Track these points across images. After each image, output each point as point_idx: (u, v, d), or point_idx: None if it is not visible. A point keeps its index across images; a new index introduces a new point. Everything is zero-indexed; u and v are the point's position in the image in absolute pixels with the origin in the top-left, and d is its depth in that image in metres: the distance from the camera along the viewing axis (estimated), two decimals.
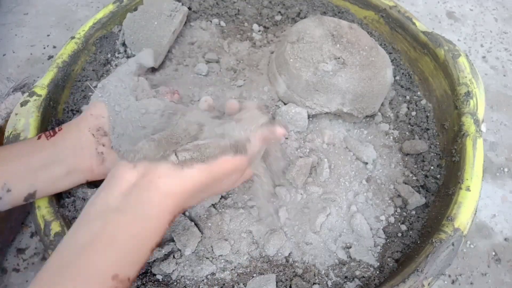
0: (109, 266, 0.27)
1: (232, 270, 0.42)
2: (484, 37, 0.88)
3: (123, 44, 0.58)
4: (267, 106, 0.51)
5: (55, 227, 0.40)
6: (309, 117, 0.50)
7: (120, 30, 0.59)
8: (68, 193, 0.46)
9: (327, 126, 0.52)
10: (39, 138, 0.39)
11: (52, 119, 0.49)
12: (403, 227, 0.46)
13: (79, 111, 0.53)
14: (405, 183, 0.49)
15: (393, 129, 0.54)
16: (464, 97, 0.49)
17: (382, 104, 0.55)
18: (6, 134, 0.44)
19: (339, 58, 0.49)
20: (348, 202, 0.47)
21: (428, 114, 0.54)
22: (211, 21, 0.64)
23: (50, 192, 0.40)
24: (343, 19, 0.58)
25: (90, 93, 0.54)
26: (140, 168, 0.31)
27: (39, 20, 0.83)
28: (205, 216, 0.44)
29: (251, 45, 0.61)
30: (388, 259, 0.43)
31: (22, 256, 0.56)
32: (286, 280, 0.41)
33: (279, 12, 0.65)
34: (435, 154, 0.51)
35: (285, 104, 0.52)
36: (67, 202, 0.44)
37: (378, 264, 0.43)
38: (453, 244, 0.39)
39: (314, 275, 0.42)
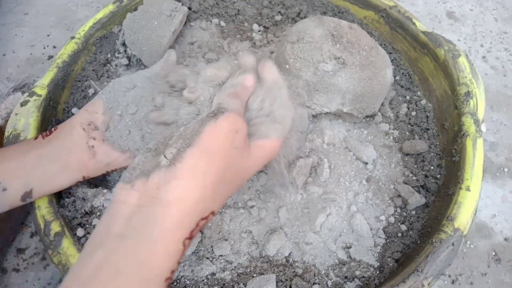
0: None
1: (232, 270, 0.42)
2: (484, 37, 0.88)
3: (123, 44, 0.58)
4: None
5: (55, 227, 0.40)
6: (309, 117, 0.50)
7: (120, 30, 0.59)
8: (68, 193, 0.46)
9: (327, 126, 0.52)
10: (36, 138, 0.40)
11: (52, 119, 0.49)
12: (403, 227, 0.46)
13: None
14: (405, 183, 0.49)
15: (393, 129, 0.54)
16: (464, 97, 0.49)
17: (382, 104, 0.55)
18: (6, 134, 0.44)
19: (339, 58, 0.49)
20: (348, 202, 0.47)
21: (428, 114, 0.54)
22: (211, 21, 0.64)
23: (47, 191, 0.40)
24: (343, 19, 0.58)
25: (90, 92, 0.54)
26: (138, 186, 0.27)
27: (39, 20, 0.83)
28: None
29: (251, 45, 0.61)
30: (388, 259, 0.43)
31: (22, 256, 0.56)
32: (286, 280, 0.41)
33: (279, 12, 0.65)
34: (435, 154, 0.51)
35: None
36: (67, 202, 0.44)
37: (378, 264, 0.43)
38: (453, 244, 0.39)
39: (314, 275, 0.42)
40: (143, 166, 0.28)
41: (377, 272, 0.43)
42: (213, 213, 0.28)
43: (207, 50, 0.59)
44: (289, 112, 0.36)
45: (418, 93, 0.57)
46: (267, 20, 0.64)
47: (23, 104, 0.46)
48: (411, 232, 0.46)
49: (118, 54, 0.59)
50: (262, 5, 0.65)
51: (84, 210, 0.44)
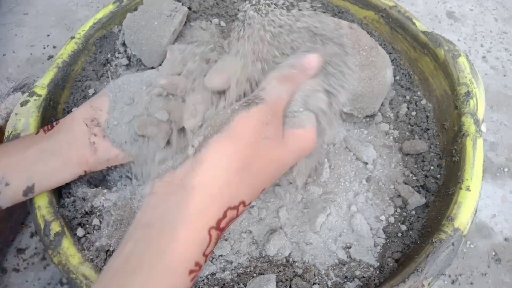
0: None
1: (232, 270, 0.42)
2: (484, 37, 0.88)
3: (123, 44, 0.58)
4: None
5: (55, 227, 0.40)
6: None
7: (120, 30, 0.59)
8: (68, 193, 0.46)
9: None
10: (37, 133, 0.40)
11: (52, 119, 0.49)
12: (403, 227, 0.46)
13: None
14: (405, 183, 0.49)
15: (393, 129, 0.54)
16: (464, 97, 0.49)
17: (382, 104, 0.55)
18: (6, 134, 0.44)
19: None
20: (348, 202, 0.47)
21: (428, 114, 0.54)
22: (211, 21, 0.64)
23: (49, 185, 0.40)
24: (343, 19, 0.58)
25: (91, 92, 0.54)
26: (167, 177, 0.26)
27: (39, 20, 0.83)
28: None
29: None
30: (388, 259, 0.43)
31: (22, 256, 0.56)
32: (286, 280, 0.41)
33: None
34: (435, 154, 0.51)
35: None
36: (67, 202, 0.44)
37: (378, 264, 0.43)
38: (453, 244, 0.39)
39: (314, 275, 0.42)
40: (175, 161, 0.27)
41: (377, 272, 0.43)
42: (244, 203, 0.26)
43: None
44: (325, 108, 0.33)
45: (418, 93, 0.57)
46: None
47: (23, 104, 0.46)
48: (411, 232, 0.46)
49: (118, 54, 0.59)
50: None
51: (84, 210, 0.44)
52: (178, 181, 0.25)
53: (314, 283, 0.42)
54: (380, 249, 0.45)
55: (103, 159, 0.42)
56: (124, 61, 0.58)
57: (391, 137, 0.53)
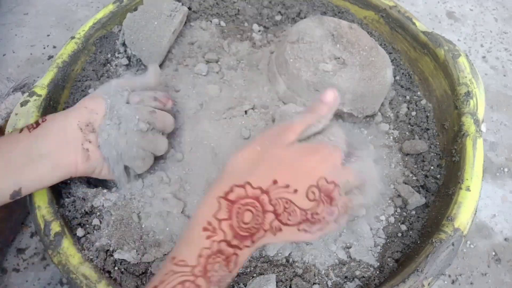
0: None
1: None
2: (484, 37, 0.88)
3: (123, 44, 0.58)
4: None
5: (55, 227, 0.40)
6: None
7: (120, 30, 0.59)
8: (68, 193, 0.46)
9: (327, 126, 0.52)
10: (20, 131, 0.37)
11: None
12: (403, 227, 0.46)
13: None
14: (405, 183, 0.49)
15: (393, 129, 0.54)
16: (464, 97, 0.49)
17: (382, 104, 0.55)
18: (6, 134, 0.44)
19: (339, 58, 0.49)
20: None
21: (428, 114, 0.54)
22: (211, 21, 0.64)
23: (36, 188, 0.39)
24: (343, 19, 0.58)
25: (90, 92, 0.54)
26: None
27: (39, 20, 0.83)
28: None
29: (251, 45, 0.61)
30: (388, 259, 0.43)
31: (22, 256, 0.56)
32: (286, 280, 0.41)
33: (279, 12, 0.65)
34: (435, 154, 0.51)
35: (285, 104, 0.52)
36: (67, 202, 0.44)
37: (378, 264, 0.43)
38: (453, 244, 0.39)
39: (314, 275, 0.42)
40: None
41: (377, 272, 0.43)
42: (249, 184, 0.30)
43: (207, 50, 0.59)
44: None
45: (418, 93, 0.57)
46: (267, 20, 0.64)
47: (23, 104, 0.46)
48: (411, 232, 0.46)
49: (118, 54, 0.59)
50: (262, 5, 0.65)
51: (84, 210, 0.44)
52: None
53: (314, 283, 0.42)
54: (380, 249, 0.45)
55: (93, 167, 0.40)
56: (124, 61, 0.58)
57: (391, 137, 0.53)
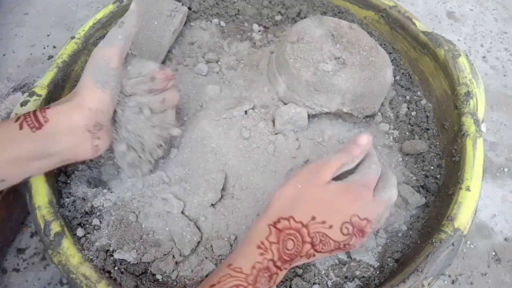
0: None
1: None
2: (484, 37, 0.88)
3: None
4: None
5: (55, 227, 0.40)
6: (309, 117, 0.50)
7: None
8: (68, 193, 0.46)
9: (327, 126, 0.52)
10: (21, 127, 0.36)
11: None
12: (403, 227, 0.46)
13: None
14: (405, 183, 0.49)
15: (393, 129, 0.54)
16: (464, 97, 0.49)
17: (382, 104, 0.55)
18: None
19: (339, 58, 0.49)
20: None
21: (428, 114, 0.54)
22: (211, 21, 0.64)
23: (40, 174, 0.42)
24: (343, 19, 0.58)
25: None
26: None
27: (39, 20, 0.83)
28: (205, 215, 0.44)
29: (251, 45, 0.61)
30: (388, 259, 0.43)
31: (22, 256, 0.56)
32: (286, 280, 0.41)
33: (279, 12, 0.65)
34: (435, 154, 0.51)
35: (285, 104, 0.52)
36: (67, 202, 0.44)
37: (378, 264, 0.43)
38: (453, 244, 0.39)
39: (314, 275, 0.42)
40: None
41: (377, 272, 0.43)
42: (292, 218, 0.35)
43: (207, 50, 0.59)
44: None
45: (418, 93, 0.57)
46: (267, 20, 0.64)
47: (23, 104, 0.46)
48: (411, 232, 0.46)
49: None
50: (262, 5, 0.65)
51: (84, 210, 0.44)
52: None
53: (314, 283, 0.42)
54: (380, 249, 0.45)
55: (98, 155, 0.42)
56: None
57: (391, 137, 0.53)
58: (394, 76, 0.58)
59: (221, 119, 0.50)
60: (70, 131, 0.37)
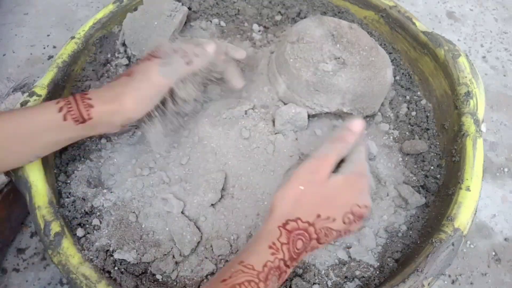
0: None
1: None
2: (484, 37, 0.88)
3: (123, 44, 0.58)
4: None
5: (55, 227, 0.40)
6: (309, 117, 0.50)
7: (120, 30, 0.59)
8: (68, 193, 0.46)
9: (327, 126, 0.52)
10: (64, 119, 0.39)
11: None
12: (403, 227, 0.46)
13: None
14: (405, 183, 0.49)
15: (393, 129, 0.54)
16: (464, 97, 0.49)
17: (382, 104, 0.55)
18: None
19: (339, 58, 0.49)
20: None
21: (428, 114, 0.54)
22: (211, 21, 0.64)
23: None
24: (343, 19, 0.58)
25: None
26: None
27: (39, 20, 0.83)
28: (205, 215, 0.44)
29: (251, 45, 0.61)
30: (388, 259, 0.43)
31: (22, 256, 0.56)
32: (286, 280, 0.41)
33: (279, 12, 0.65)
34: (435, 154, 0.51)
35: (285, 104, 0.52)
36: (67, 202, 0.44)
37: (378, 264, 0.43)
38: (453, 244, 0.39)
39: (314, 275, 0.42)
40: None
41: (377, 272, 0.43)
42: (299, 219, 0.37)
43: None
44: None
45: (418, 93, 0.57)
46: (267, 20, 0.64)
47: (23, 104, 0.46)
48: (411, 232, 0.46)
49: (118, 54, 0.59)
50: (262, 5, 0.65)
51: (84, 210, 0.44)
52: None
53: (314, 283, 0.42)
54: (380, 249, 0.45)
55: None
56: (124, 61, 0.58)
57: (391, 137, 0.53)
58: (394, 76, 0.58)
59: (221, 119, 0.50)
60: (108, 128, 0.43)
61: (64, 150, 0.48)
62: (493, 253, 0.61)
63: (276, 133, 0.50)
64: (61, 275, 0.54)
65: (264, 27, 0.64)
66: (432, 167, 0.50)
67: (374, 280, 0.42)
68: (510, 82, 0.81)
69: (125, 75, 0.43)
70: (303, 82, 0.49)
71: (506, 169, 0.69)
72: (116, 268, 0.41)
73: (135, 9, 0.58)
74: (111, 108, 0.41)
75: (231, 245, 0.43)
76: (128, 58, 0.58)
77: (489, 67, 0.83)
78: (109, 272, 0.41)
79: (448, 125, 0.51)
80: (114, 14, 0.58)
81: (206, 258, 0.42)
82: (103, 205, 0.45)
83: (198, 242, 0.43)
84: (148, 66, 0.43)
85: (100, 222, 0.44)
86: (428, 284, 0.38)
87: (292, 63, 0.49)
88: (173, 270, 0.42)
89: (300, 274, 0.42)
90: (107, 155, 0.50)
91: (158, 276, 0.41)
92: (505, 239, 0.62)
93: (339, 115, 0.53)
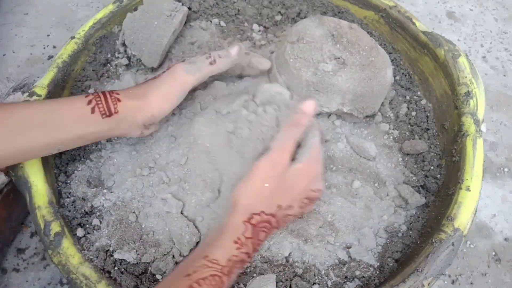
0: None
1: None
2: (484, 37, 0.88)
3: (123, 44, 0.58)
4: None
5: (55, 227, 0.40)
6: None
7: (120, 30, 0.59)
8: (68, 193, 0.46)
9: (327, 126, 0.52)
10: (92, 111, 0.40)
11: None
12: (403, 227, 0.46)
13: None
14: (405, 183, 0.49)
15: (393, 129, 0.54)
16: (464, 97, 0.49)
17: (382, 104, 0.55)
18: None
19: (339, 58, 0.49)
20: (349, 202, 0.47)
21: (428, 114, 0.54)
22: (211, 21, 0.64)
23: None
24: (343, 19, 0.58)
25: (90, 92, 0.54)
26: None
27: (39, 20, 0.83)
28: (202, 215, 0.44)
29: (251, 45, 0.61)
30: (388, 259, 0.43)
31: (22, 256, 0.56)
32: (286, 280, 0.41)
33: (279, 12, 0.65)
34: (435, 154, 0.51)
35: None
36: (67, 202, 0.44)
37: (378, 264, 0.43)
38: (453, 244, 0.39)
39: (314, 275, 0.42)
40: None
41: (377, 272, 0.43)
42: (263, 212, 0.38)
43: (207, 50, 0.59)
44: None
45: (418, 93, 0.57)
46: (267, 20, 0.64)
47: None
48: (411, 232, 0.46)
49: (118, 54, 0.59)
50: (262, 5, 0.65)
51: (84, 210, 0.44)
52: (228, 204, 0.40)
53: (314, 283, 0.42)
54: (380, 249, 0.45)
55: None
56: (124, 61, 0.58)
57: (391, 137, 0.53)
58: (394, 76, 0.58)
59: (214, 117, 0.49)
60: (130, 126, 0.43)
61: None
62: (493, 253, 0.61)
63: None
64: (61, 275, 0.54)
65: (264, 27, 0.64)
66: (432, 167, 0.50)
67: (374, 280, 0.42)
68: (510, 82, 0.81)
69: (154, 77, 0.46)
70: (303, 82, 0.49)
71: (506, 169, 0.69)
72: (116, 268, 0.41)
73: (135, 9, 0.58)
74: (137, 103, 0.42)
75: None
76: (128, 58, 0.58)
77: (489, 67, 0.83)
78: (109, 272, 0.41)
79: (448, 125, 0.51)
80: (114, 14, 0.58)
81: None
82: (103, 205, 0.45)
83: (197, 242, 0.43)
84: (174, 67, 0.45)
85: (100, 222, 0.44)
86: (428, 284, 0.38)
87: (292, 63, 0.49)
88: (173, 270, 0.42)
89: (300, 274, 0.42)
90: (107, 155, 0.50)
91: (158, 276, 0.41)
92: (505, 239, 0.62)
93: (339, 115, 0.53)
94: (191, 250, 0.42)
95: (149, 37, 0.55)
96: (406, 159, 0.51)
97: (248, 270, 0.42)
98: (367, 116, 0.53)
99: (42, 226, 0.40)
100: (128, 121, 0.43)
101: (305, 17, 0.62)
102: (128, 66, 0.59)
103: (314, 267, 0.43)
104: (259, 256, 0.43)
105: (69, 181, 0.47)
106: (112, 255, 0.42)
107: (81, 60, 0.55)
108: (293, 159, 0.40)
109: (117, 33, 0.59)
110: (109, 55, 0.59)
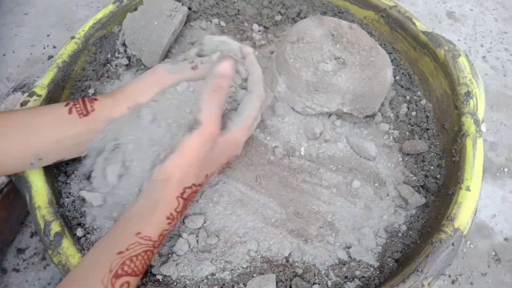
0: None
1: (231, 270, 0.42)
2: (484, 37, 0.88)
3: (123, 44, 0.58)
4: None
5: (55, 227, 0.40)
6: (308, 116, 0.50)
7: (120, 30, 0.59)
8: (68, 193, 0.46)
9: (327, 126, 0.52)
10: (70, 112, 0.40)
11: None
12: (403, 227, 0.46)
13: None
14: (405, 183, 0.49)
15: (393, 129, 0.54)
16: (464, 97, 0.49)
17: (382, 104, 0.55)
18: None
19: (339, 58, 0.49)
20: (349, 201, 0.47)
21: (428, 114, 0.54)
22: (211, 21, 0.64)
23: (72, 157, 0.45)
24: (343, 19, 0.58)
25: (91, 92, 0.54)
26: (153, 177, 0.40)
27: (39, 20, 0.83)
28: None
29: (251, 45, 0.61)
30: (388, 259, 0.43)
31: (22, 256, 0.56)
32: (286, 280, 0.41)
33: (279, 12, 0.65)
34: (435, 154, 0.51)
35: (284, 104, 0.52)
36: (67, 202, 0.44)
37: (378, 264, 0.43)
38: (453, 244, 0.39)
39: (314, 275, 0.42)
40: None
41: (377, 272, 0.43)
42: (194, 184, 0.40)
43: None
44: (254, 103, 0.44)
45: (418, 93, 0.57)
46: (267, 20, 0.64)
47: (23, 104, 0.46)
48: (411, 232, 0.46)
49: (118, 54, 0.59)
50: (262, 5, 0.65)
51: (84, 210, 0.44)
52: (156, 178, 0.39)
53: (314, 283, 0.42)
54: (380, 249, 0.45)
55: None
56: (124, 61, 0.58)
57: (391, 137, 0.53)
58: (394, 76, 0.58)
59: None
60: (108, 122, 0.42)
61: None
62: (493, 253, 0.61)
63: None
64: (61, 275, 0.54)
65: (264, 27, 0.64)
66: (432, 167, 0.50)
67: (374, 280, 0.42)
68: (510, 82, 0.81)
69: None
70: (303, 82, 0.49)
71: (506, 169, 0.69)
72: None
73: (135, 9, 0.58)
74: (113, 99, 0.43)
75: (231, 245, 0.43)
76: (128, 58, 0.58)
77: (489, 67, 0.83)
78: None
79: (448, 125, 0.51)
80: (114, 14, 0.58)
81: (206, 258, 0.42)
82: None
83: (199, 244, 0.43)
84: (157, 65, 0.45)
85: (100, 222, 0.44)
86: (428, 284, 0.38)
87: (292, 63, 0.49)
88: (173, 271, 0.42)
89: (300, 274, 0.42)
90: None
91: (159, 277, 0.41)
92: (505, 239, 0.62)
93: (339, 115, 0.53)
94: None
95: (149, 37, 0.55)
96: (406, 159, 0.51)
97: (248, 270, 0.42)
98: (367, 116, 0.54)
99: (42, 226, 0.40)
100: (105, 117, 0.42)
101: (305, 17, 0.62)
102: (128, 66, 0.59)
103: (314, 267, 0.43)
104: (259, 256, 0.43)
105: (69, 181, 0.47)
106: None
107: (81, 60, 0.55)
108: (223, 125, 0.42)
109: (117, 33, 0.59)
110: (109, 55, 0.59)
